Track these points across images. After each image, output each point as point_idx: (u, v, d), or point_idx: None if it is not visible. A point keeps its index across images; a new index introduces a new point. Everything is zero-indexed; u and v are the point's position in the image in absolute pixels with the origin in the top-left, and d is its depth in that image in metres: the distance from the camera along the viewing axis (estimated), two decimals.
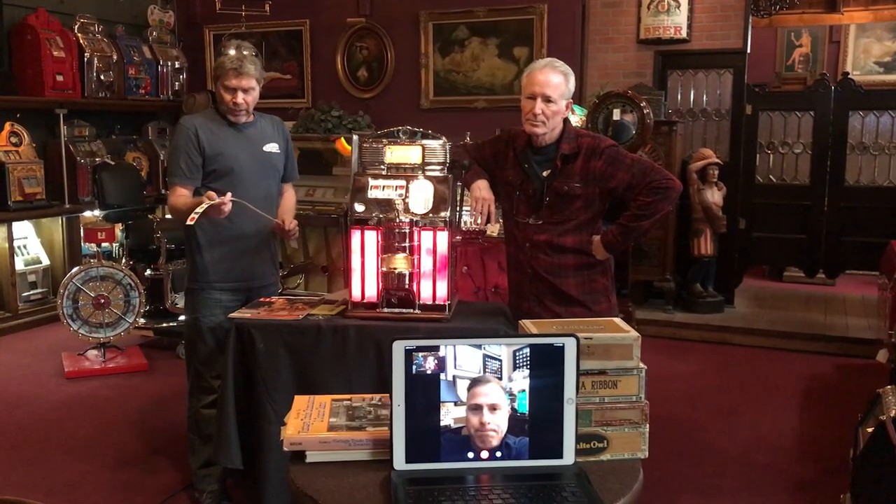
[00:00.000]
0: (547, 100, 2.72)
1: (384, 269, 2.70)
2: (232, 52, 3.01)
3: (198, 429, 3.15)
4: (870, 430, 2.64)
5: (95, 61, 6.55)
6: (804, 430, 4.11)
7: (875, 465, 2.55)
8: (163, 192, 6.78)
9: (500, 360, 1.58)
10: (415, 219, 2.70)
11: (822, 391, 4.75)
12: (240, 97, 3.00)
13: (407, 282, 2.70)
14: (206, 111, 3.20)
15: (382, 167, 2.80)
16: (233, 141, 3.07)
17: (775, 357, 5.40)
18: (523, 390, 1.58)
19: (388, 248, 2.70)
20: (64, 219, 6.35)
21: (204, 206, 2.77)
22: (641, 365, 1.73)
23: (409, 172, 2.78)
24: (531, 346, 1.59)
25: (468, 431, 1.59)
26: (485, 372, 1.58)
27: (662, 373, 4.89)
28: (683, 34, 6.15)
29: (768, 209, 6.85)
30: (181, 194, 3.00)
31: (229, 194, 2.84)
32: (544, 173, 2.82)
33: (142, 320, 5.26)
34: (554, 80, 2.73)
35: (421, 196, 2.73)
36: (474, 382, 1.58)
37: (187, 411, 3.24)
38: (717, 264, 6.26)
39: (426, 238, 2.69)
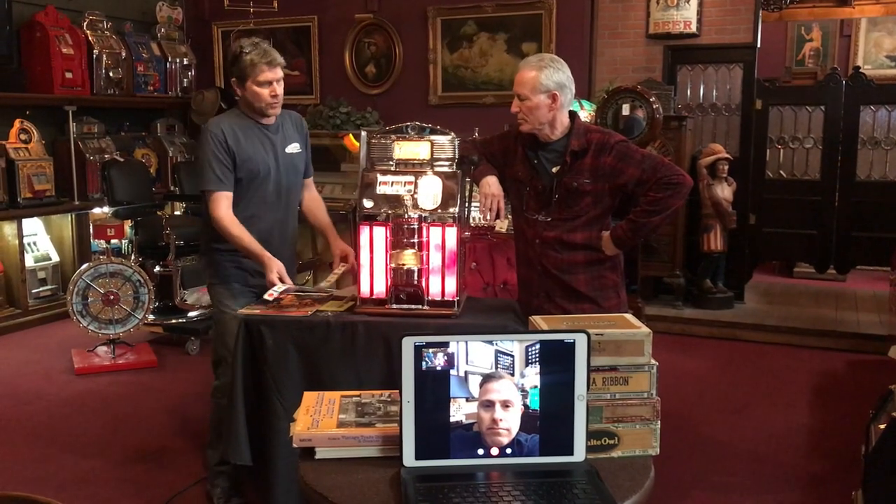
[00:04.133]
0: (520, 97, 2.74)
1: (393, 265, 2.70)
2: (249, 48, 2.94)
3: (221, 426, 3.10)
4: (882, 426, 2.63)
5: (104, 58, 6.57)
6: (815, 427, 4.08)
7: (887, 462, 2.53)
8: (172, 188, 6.78)
9: (513, 356, 1.57)
10: (423, 215, 2.69)
11: (833, 387, 4.72)
12: (277, 89, 2.96)
13: (416, 278, 2.69)
14: (229, 113, 3.11)
15: (391, 163, 2.79)
16: (259, 145, 3.02)
17: (786, 353, 5.38)
18: (535, 386, 1.57)
19: (396, 243, 2.69)
20: (73, 215, 6.36)
21: (280, 288, 2.83)
22: (653, 361, 1.72)
23: (418, 168, 2.77)
24: (541, 342, 1.58)
25: (479, 428, 1.58)
26: (497, 368, 1.57)
27: (672, 369, 4.87)
28: (693, 29, 6.11)
29: (779, 204, 6.82)
30: (227, 206, 2.96)
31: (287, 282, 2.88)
32: (553, 169, 2.81)
33: (151, 317, 5.28)
34: (525, 76, 2.74)
35: (429, 192, 2.72)
36: (487, 378, 1.57)
37: (211, 407, 3.22)
38: (727, 260, 6.23)
39: (435, 234, 2.68)
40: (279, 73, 2.97)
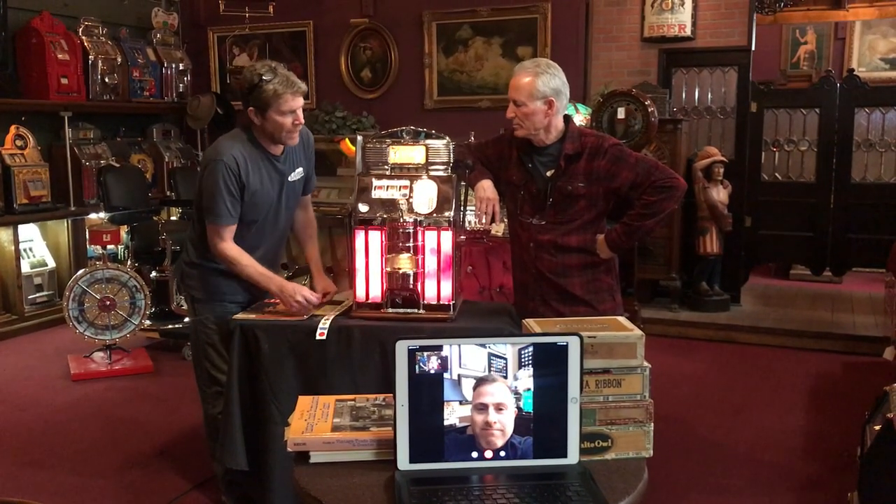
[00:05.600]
0: (516, 103, 2.74)
1: (388, 269, 2.70)
2: (268, 75, 2.78)
3: (217, 435, 3.02)
4: (877, 427, 2.64)
5: (100, 64, 6.57)
6: (811, 429, 4.09)
7: (883, 463, 2.54)
8: (168, 194, 6.78)
9: (506, 359, 1.57)
10: (419, 219, 2.70)
11: (829, 389, 4.73)
12: (299, 116, 2.85)
13: (411, 282, 2.70)
14: (237, 137, 2.91)
15: (386, 167, 2.80)
16: (267, 179, 2.91)
17: (782, 355, 5.38)
18: (529, 389, 1.58)
19: (392, 248, 2.70)
20: (69, 221, 6.36)
21: (328, 319, 2.75)
22: (645, 363, 1.73)
23: (413, 172, 2.78)
24: (535, 345, 1.58)
25: (473, 431, 1.58)
26: (490, 371, 1.57)
27: (668, 372, 4.88)
28: (688, 32, 6.13)
29: (774, 207, 6.84)
30: (230, 237, 2.86)
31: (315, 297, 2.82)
32: (548, 173, 2.82)
33: (147, 322, 5.26)
34: (521, 81, 2.74)
35: (425, 196, 2.73)
36: (480, 381, 1.58)
37: (203, 419, 3.17)
38: (723, 262, 6.24)
39: (430, 238, 2.68)
40: (301, 100, 2.86)
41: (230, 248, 2.87)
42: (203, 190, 2.88)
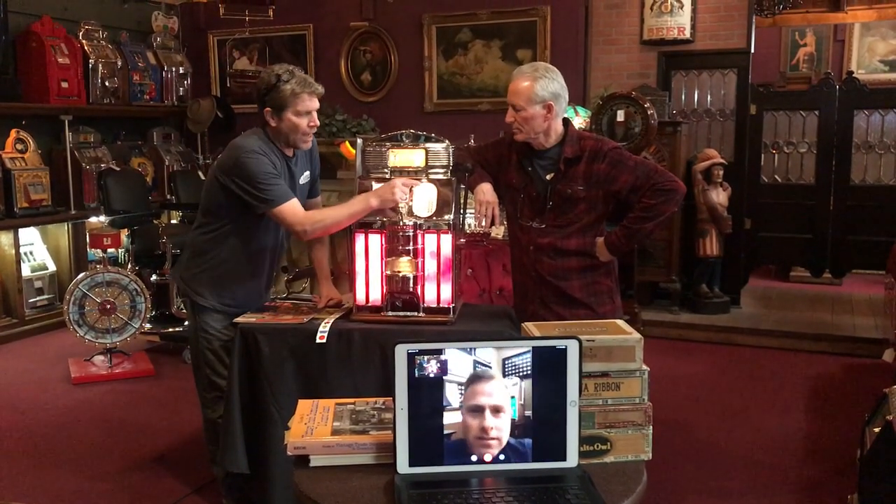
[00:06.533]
0: (515, 107, 2.74)
1: (388, 272, 2.71)
2: (286, 76, 2.78)
3: (217, 439, 3.02)
4: (877, 429, 2.64)
5: (100, 67, 6.58)
6: (811, 431, 4.09)
7: (882, 465, 2.54)
8: (168, 197, 6.80)
9: (490, 367, 1.57)
10: (419, 222, 2.71)
11: (828, 391, 4.73)
12: (315, 118, 2.86)
13: (411, 285, 2.70)
14: (254, 137, 2.88)
15: (386, 171, 2.81)
16: (282, 176, 2.90)
17: (782, 357, 5.38)
18: (513, 397, 1.57)
19: (392, 251, 2.71)
20: (70, 225, 6.37)
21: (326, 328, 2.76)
22: (644, 367, 1.73)
23: (413, 176, 2.79)
24: (534, 348, 1.58)
25: (465, 435, 1.57)
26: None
27: (668, 374, 4.88)
28: (687, 34, 6.14)
29: (774, 209, 6.85)
30: (301, 208, 2.82)
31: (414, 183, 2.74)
32: (548, 177, 2.82)
33: (148, 325, 5.27)
34: (519, 86, 2.74)
35: (424, 199, 2.74)
36: (474, 379, 1.56)
37: (203, 423, 3.17)
38: (723, 265, 6.25)
39: (430, 241, 2.69)
40: (317, 102, 2.86)
41: (306, 218, 2.80)
42: (245, 184, 2.78)
